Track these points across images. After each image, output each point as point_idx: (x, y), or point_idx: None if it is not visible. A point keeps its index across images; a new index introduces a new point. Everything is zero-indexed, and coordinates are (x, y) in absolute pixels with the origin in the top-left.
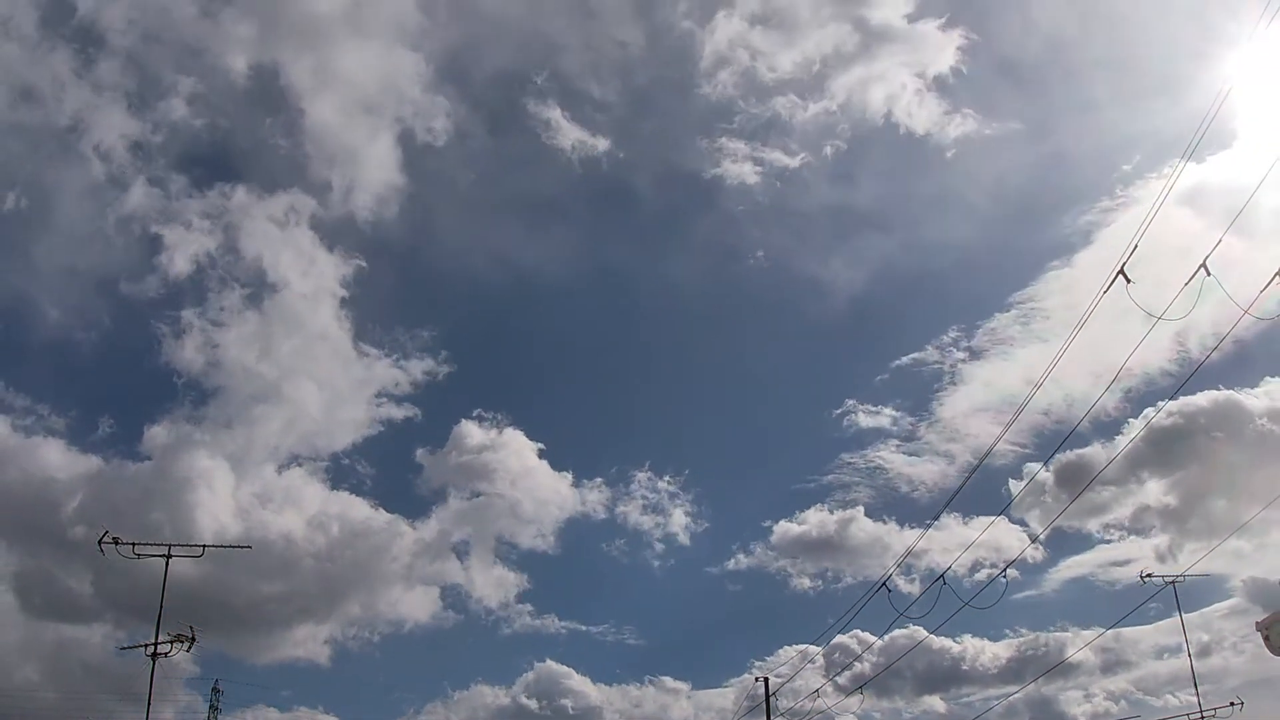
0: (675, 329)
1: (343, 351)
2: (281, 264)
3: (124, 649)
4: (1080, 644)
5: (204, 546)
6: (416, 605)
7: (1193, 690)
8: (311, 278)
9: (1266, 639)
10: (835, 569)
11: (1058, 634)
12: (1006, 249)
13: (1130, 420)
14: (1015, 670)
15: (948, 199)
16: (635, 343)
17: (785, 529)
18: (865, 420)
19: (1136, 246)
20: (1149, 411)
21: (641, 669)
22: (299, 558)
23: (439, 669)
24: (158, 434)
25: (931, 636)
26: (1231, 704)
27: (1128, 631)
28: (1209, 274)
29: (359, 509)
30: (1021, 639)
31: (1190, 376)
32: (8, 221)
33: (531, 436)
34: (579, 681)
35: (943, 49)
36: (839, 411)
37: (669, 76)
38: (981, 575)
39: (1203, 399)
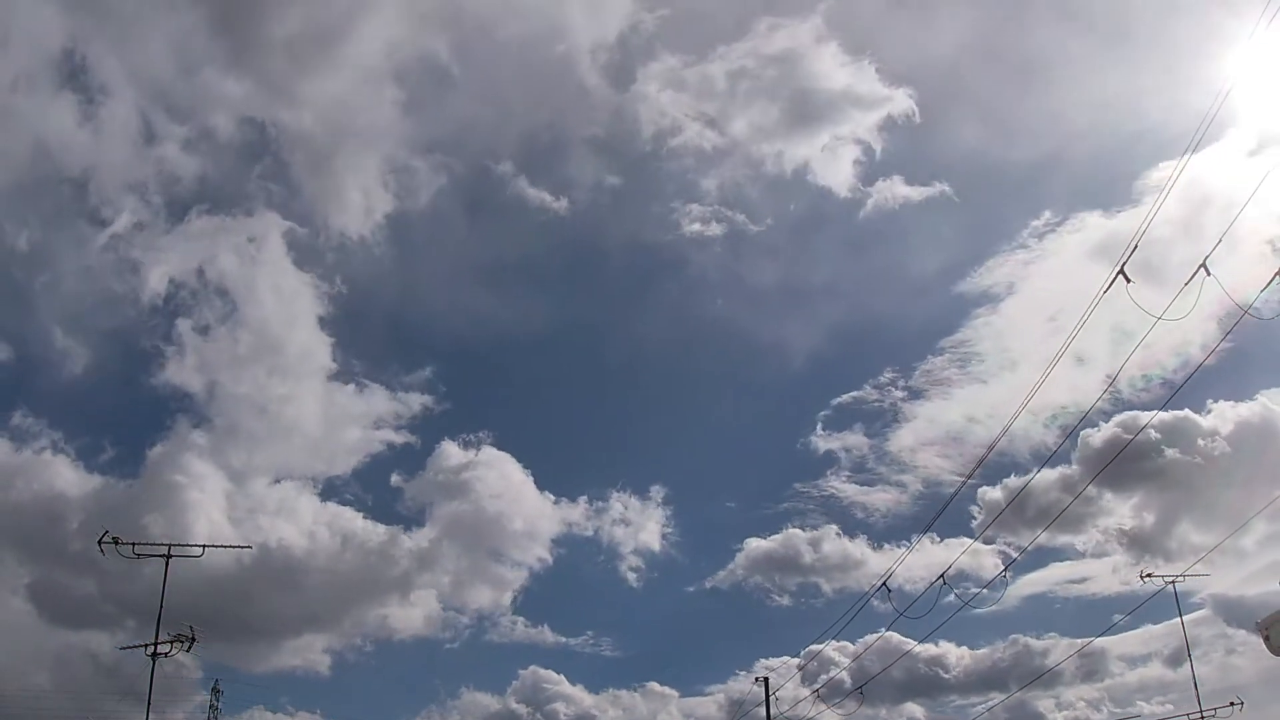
0: (644, 373)
1: (339, 385)
2: (277, 324)
3: (124, 649)
4: (1062, 651)
5: (203, 547)
6: (411, 616)
7: (1161, 698)
8: (302, 330)
9: (1266, 639)
10: (808, 584)
11: (1033, 641)
12: (934, 300)
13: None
14: (993, 677)
15: (878, 257)
16: (609, 382)
17: (757, 545)
18: (820, 447)
19: (1136, 246)
20: (1138, 420)
21: (629, 678)
22: (297, 570)
23: (433, 677)
24: (158, 453)
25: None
26: (1231, 704)
27: (1097, 641)
28: (1209, 274)
29: (356, 524)
30: (996, 647)
31: (1188, 379)
32: (20, 260)
33: (519, 461)
34: (569, 689)
35: (877, 120)
36: (795, 442)
37: (633, 150)
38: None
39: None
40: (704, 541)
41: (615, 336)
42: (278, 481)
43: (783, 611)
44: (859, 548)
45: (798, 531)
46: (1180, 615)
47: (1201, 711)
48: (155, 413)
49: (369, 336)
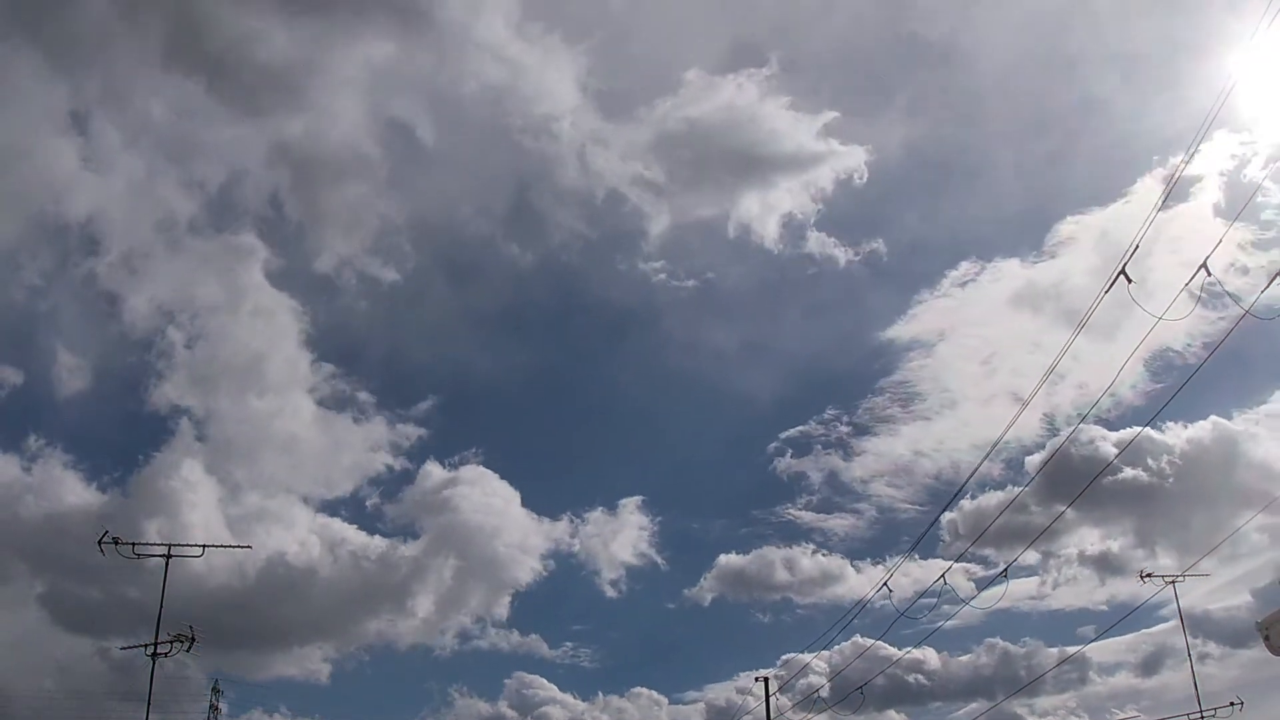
0: (617, 412)
1: (337, 414)
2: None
3: (125, 649)
4: (1040, 658)
5: (203, 547)
6: (406, 626)
7: (1134, 705)
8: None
9: (1266, 639)
10: (777, 599)
11: (1011, 648)
12: (868, 346)
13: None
14: (975, 684)
15: (813, 305)
16: (586, 417)
17: (728, 561)
18: (776, 478)
19: (1137, 247)
20: (1125, 435)
21: (614, 685)
22: (298, 581)
23: (427, 684)
24: (158, 469)
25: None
26: (1232, 704)
27: (1069, 650)
28: (1209, 274)
29: (356, 539)
30: (975, 654)
31: (1184, 384)
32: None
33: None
34: (558, 694)
35: (816, 185)
36: (752, 472)
37: (604, 219)
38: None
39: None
40: (679, 557)
41: (589, 376)
42: (274, 496)
43: (753, 624)
44: (826, 563)
45: (771, 549)
46: (1180, 616)
47: (1201, 712)
48: (155, 430)
49: (369, 374)
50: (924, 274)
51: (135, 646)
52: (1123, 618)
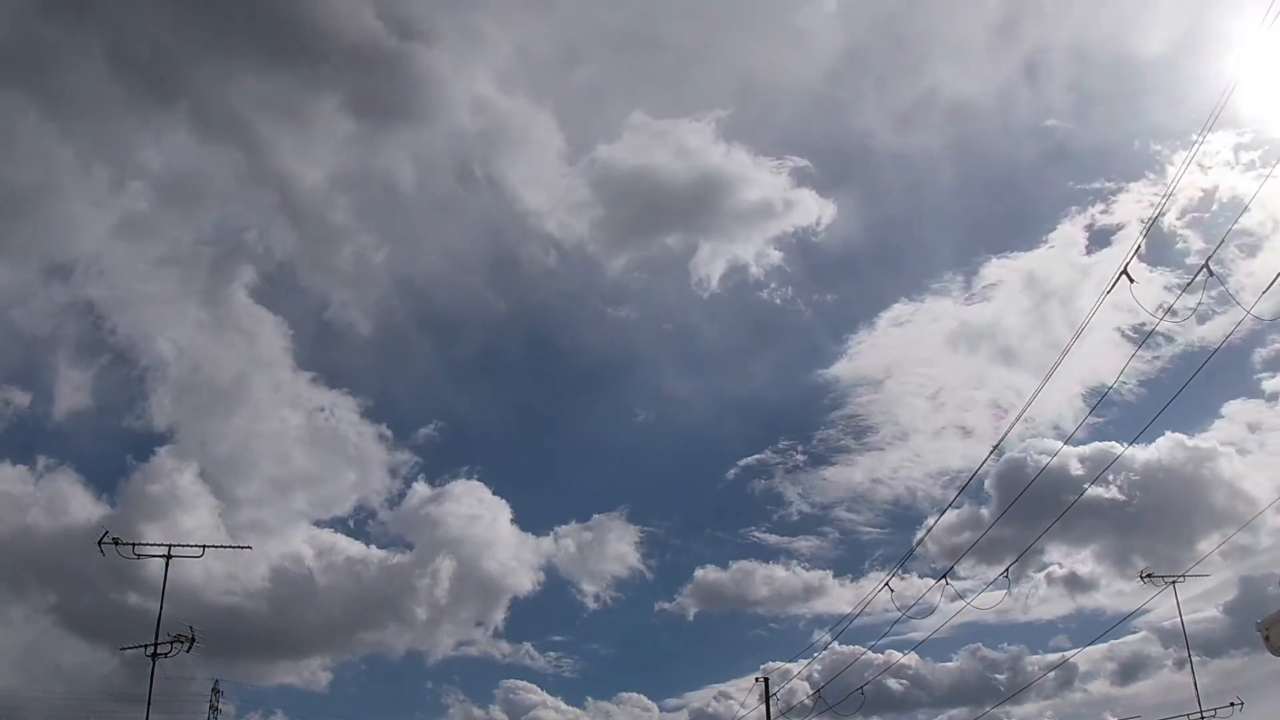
0: (588, 447)
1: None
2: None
3: (125, 649)
4: (1019, 663)
5: (204, 547)
6: (401, 635)
7: (1108, 712)
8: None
9: (1266, 639)
10: (752, 612)
11: (996, 656)
12: (814, 383)
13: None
14: (958, 691)
15: (761, 343)
16: (567, 448)
17: (710, 575)
18: (737, 502)
19: (1139, 248)
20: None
21: (601, 690)
22: (299, 591)
23: (420, 692)
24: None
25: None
26: (1232, 704)
27: (1051, 658)
28: (1211, 274)
29: (355, 550)
30: (957, 661)
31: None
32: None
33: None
34: (549, 699)
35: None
36: (713, 497)
37: (567, 272)
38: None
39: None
40: (660, 571)
41: (563, 411)
42: (273, 509)
43: (729, 635)
44: (805, 578)
45: (749, 562)
46: (1180, 616)
47: (1201, 712)
48: (155, 447)
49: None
50: (861, 314)
51: (135, 647)
52: (1122, 620)
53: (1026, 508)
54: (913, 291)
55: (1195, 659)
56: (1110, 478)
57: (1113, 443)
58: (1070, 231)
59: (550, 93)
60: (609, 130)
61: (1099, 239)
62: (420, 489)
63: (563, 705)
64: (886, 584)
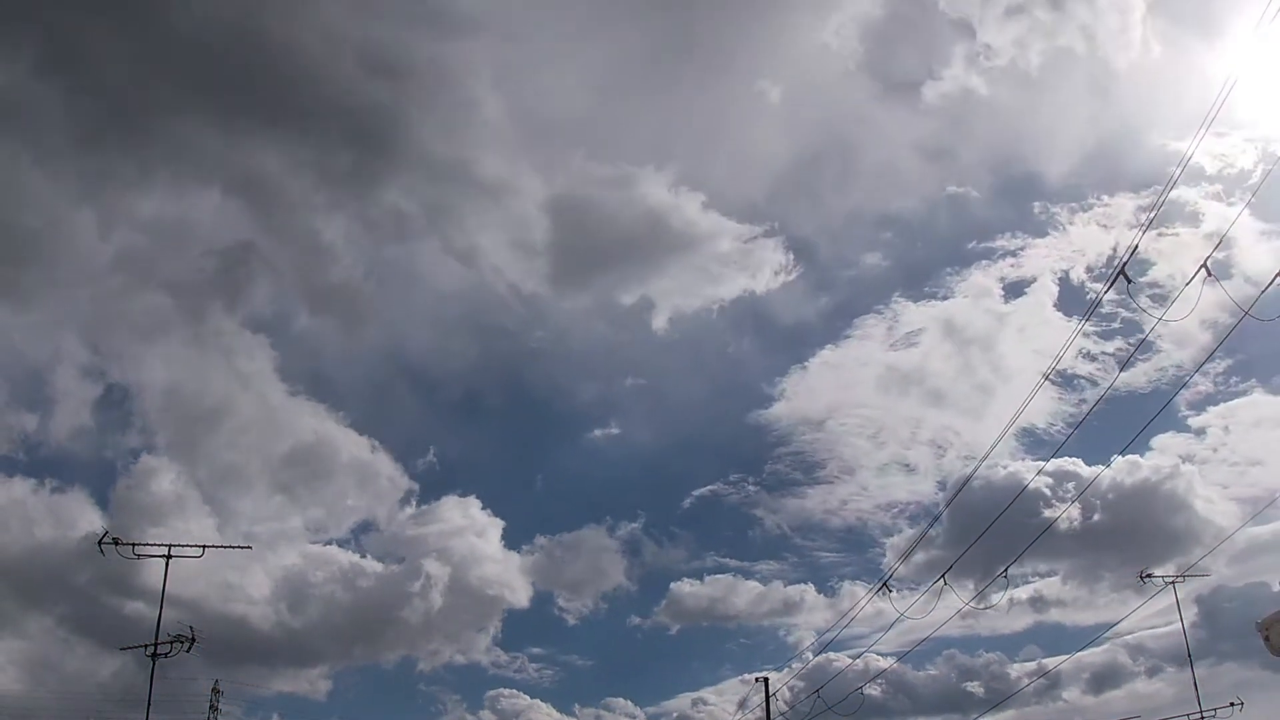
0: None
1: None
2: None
3: (125, 649)
4: (1019, 673)
5: (204, 547)
6: (396, 646)
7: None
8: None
9: (1266, 639)
10: (733, 624)
11: (972, 663)
12: (757, 422)
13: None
14: (939, 699)
15: (712, 388)
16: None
17: (685, 588)
18: (691, 531)
19: (1136, 248)
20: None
21: (589, 696)
22: (300, 602)
23: (414, 700)
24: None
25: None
26: (1232, 704)
27: (1030, 666)
28: (1210, 274)
29: (354, 563)
30: (936, 671)
31: (1180, 388)
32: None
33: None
34: (540, 706)
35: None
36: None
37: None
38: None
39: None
40: (639, 585)
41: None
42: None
43: (703, 645)
44: (783, 592)
45: (727, 577)
46: (1180, 616)
47: (1201, 712)
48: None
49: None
50: (794, 356)
51: (135, 647)
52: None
53: (986, 527)
54: (838, 338)
55: (1167, 669)
56: (1070, 497)
57: (1076, 459)
58: (984, 282)
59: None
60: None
61: (1013, 290)
62: (416, 504)
63: (554, 713)
64: (885, 583)
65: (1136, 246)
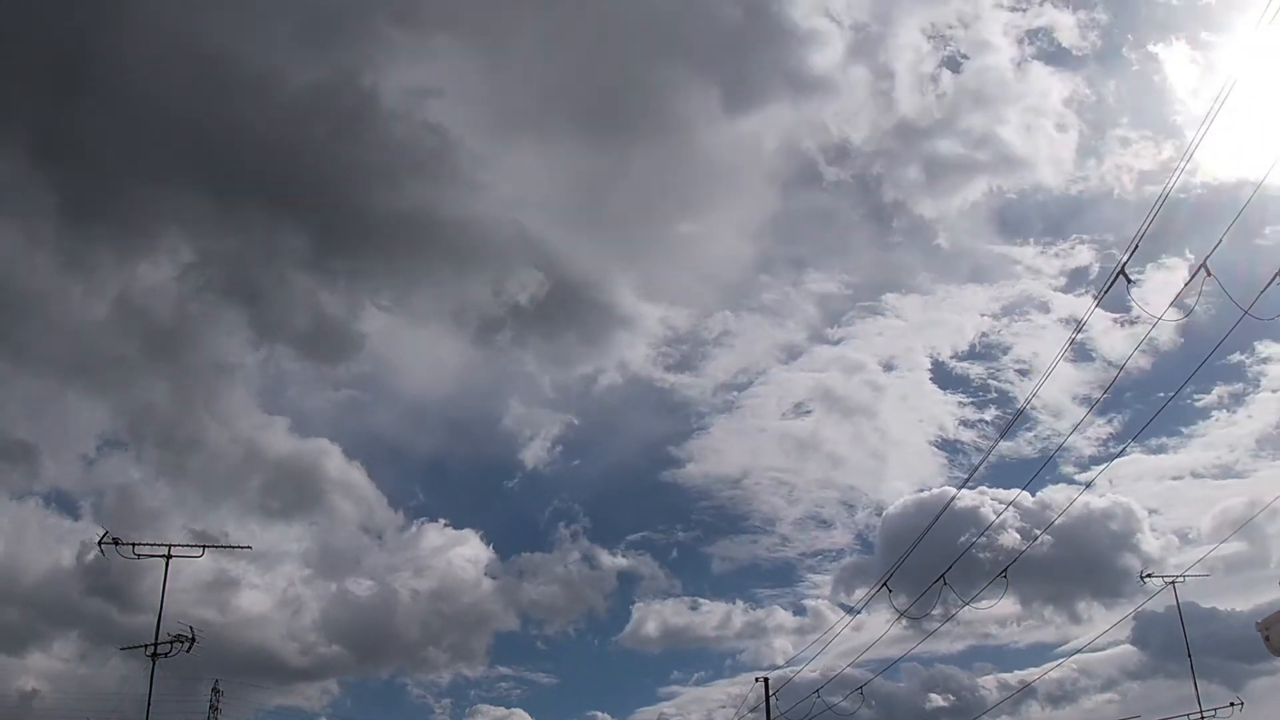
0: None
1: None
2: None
3: (125, 649)
4: (1001, 682)
5: (204, 547)
6: (390, 659)
7: None
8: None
9: (1266, 639)
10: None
11: (935, 674)
12: (673, 478)
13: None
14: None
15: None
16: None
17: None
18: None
19: (1136, 247)
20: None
21: (568, 710)
22: (294, 618)
23: (410, 711)
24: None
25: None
26: (1232, 704)
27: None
28: (1209, 274)
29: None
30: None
31: (1179, 389)
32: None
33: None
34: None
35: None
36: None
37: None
38: None
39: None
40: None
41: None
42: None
43: (671, 661)
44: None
45: (696, 599)
46: (1180, 617)
47: (1201, 712)
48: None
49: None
50: (696, 413)
51: (135, 646)
52: (1126, 615)
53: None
54: (731, 407)
55: (1122, 685)
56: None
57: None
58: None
59: None
60: None
61: (887, 364)
62: (404, 529)
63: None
64: (884, 583)
65: (1136, 247)
